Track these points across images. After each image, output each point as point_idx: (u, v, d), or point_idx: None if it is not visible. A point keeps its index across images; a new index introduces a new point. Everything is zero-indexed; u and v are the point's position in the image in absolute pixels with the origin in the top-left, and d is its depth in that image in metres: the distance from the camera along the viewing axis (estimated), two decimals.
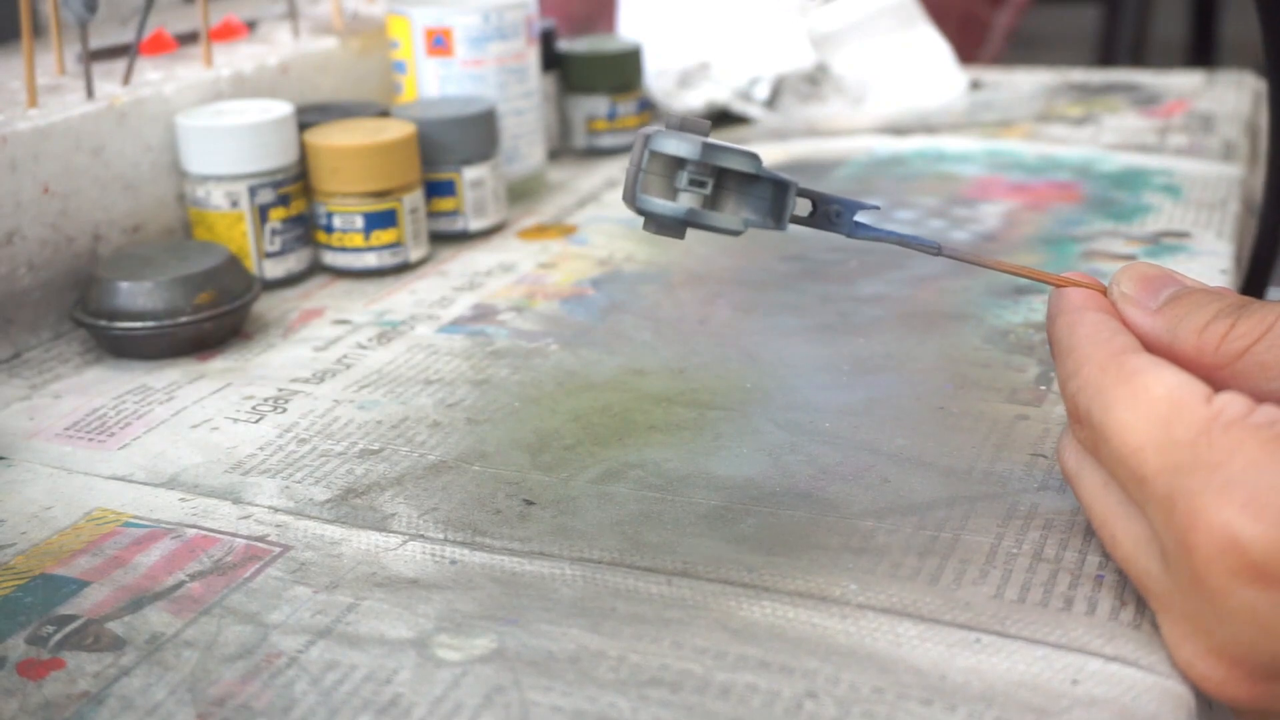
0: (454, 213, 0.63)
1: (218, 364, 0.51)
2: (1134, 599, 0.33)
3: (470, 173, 0.63)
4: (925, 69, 0.90)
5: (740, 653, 0.32)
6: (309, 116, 0.62)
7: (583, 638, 0.33)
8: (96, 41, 0.62)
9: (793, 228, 0.37)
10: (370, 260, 0.59)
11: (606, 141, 0.78)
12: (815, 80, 0.87)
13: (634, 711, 0.30)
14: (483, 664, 0.32)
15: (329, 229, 0.59)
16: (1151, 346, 0.33)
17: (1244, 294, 0.60)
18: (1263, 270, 0.62)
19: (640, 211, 0.35)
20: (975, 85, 0.92)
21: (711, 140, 0.35)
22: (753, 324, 0.53)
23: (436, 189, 0.63)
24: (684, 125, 0.35)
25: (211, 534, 0.39)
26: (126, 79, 0.59)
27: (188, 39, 0.68)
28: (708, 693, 0.31)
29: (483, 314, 0.55)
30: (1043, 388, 0.46)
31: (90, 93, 0.57)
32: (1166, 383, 0.30)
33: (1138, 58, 2.06)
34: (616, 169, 0.76)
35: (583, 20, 1.01)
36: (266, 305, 0.57)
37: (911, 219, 0.65)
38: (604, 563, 0.36)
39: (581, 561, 0.36)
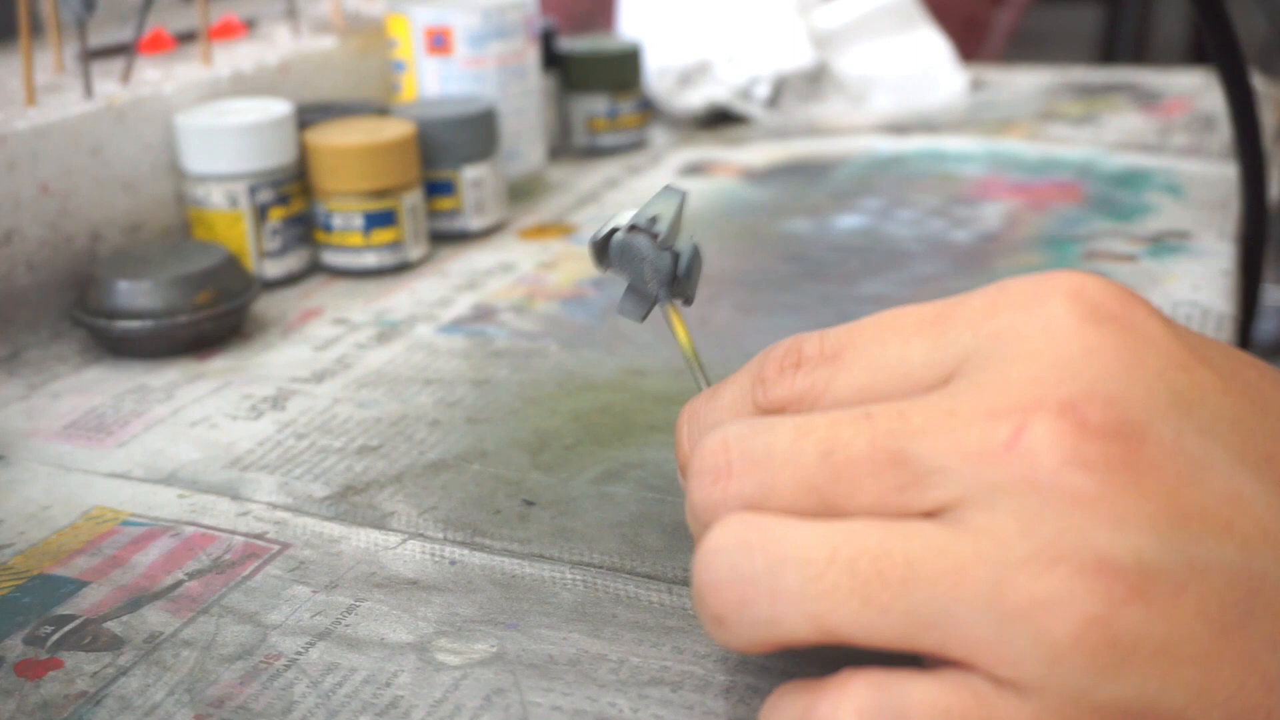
0: (454, 212, 0.63)
1: (217, 363, 0.51)
2: None
3: (470, 172, 0.63)
4: (926, 68, 0.90)
5: (742, 658, 0.32)
6: (309, 116, 0.62)
7: (583, 642, 0.33)
8: (95, 40, 0.62)
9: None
10: (370, 260, 0.59)
11: (606, 141, 0.78)
12: (816, 79, 0.87)
13: (634, 711, 0.30)
14: (483, 667, 0.32)
15: (328, 228, 0.59)
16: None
17: (1241, 293, 0.60)
18: (1254, 269, 0.62)
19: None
20: (976, 84, 0.92)
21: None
22: (753, 324, 0.53)
23: (436, 188, 0.63)
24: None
25: (210, 531, 0.39)
26: (125, 78, 0.59)
27: (186, 38, 0.68)
28: (709, 692, 0.30)
29: (483, 314, 0.55)
30: None
31: (89, 92, 0.57)
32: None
33: (1139, 57, 2.06)
34: (616, 168, 0.76)
35: (583, 19, 1.01)
36: (266, 305, 0.57)
37: (912, 219, 0.65)
38: (604, 568, 0.36)
39: (582, 565, 0.36)
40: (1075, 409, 0.24)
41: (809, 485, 0.26)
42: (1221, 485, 0.24)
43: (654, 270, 0.34)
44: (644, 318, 0.35)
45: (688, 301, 0.35)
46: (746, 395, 0.29)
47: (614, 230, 0.34)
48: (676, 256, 0.34)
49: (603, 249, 0.35)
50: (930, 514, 0.25)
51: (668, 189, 0.34)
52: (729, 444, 0.27)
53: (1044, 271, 0.27)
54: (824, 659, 0.26)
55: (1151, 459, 0.24)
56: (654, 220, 0.34)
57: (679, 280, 0.35)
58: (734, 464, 0.27)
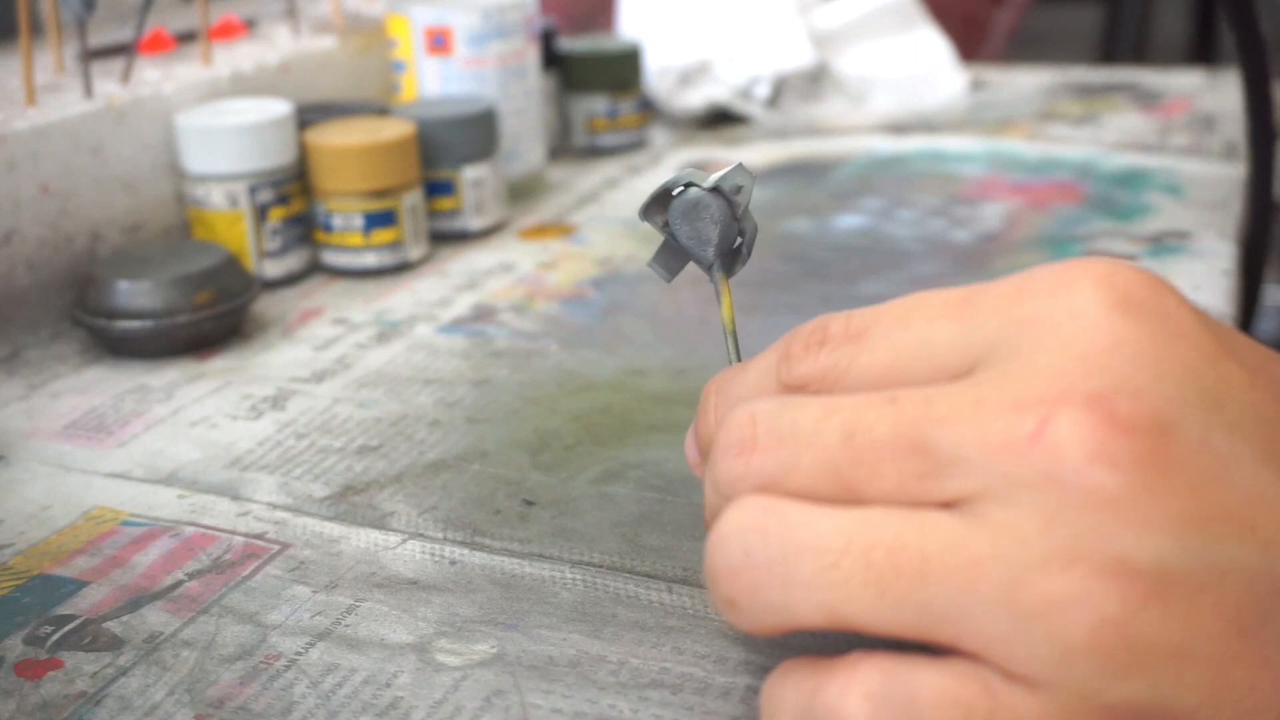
0: (454, 212, 0.63)
1: (217, 363, 0.51)
2: None
3: (470, 172, 0.63)
4: (926, 68, 0.89)
5: (743, 658, 0.32)
6: (308, 116, 0.62)
7: (583, 643, 0.33)
8: (95, 40, 0.62)
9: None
10: (370, 260, 0.59)
11: (606, 141, 0.78)
12: (816, 79, 0.87)
13: (634, 713, 0.30)
14: (483, 668, 0.32)
15: (328, 228, 0.59)
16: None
17: (1242, 293, 0.60)
18: (1255, 270, 0.62)
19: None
20: (976, 84, 0.92)
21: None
22: (753, 324, 0.53)
23: (436, 188, 0.63)
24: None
25: (210, 531, 0.39)
26: (125, 78, 0.59)
27: (186, 38, 0.68)
28: (709, 694, 0.30)
29: (483, 314, 0.55)
30: None
31: (89, 92, 0.57)
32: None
33: (1139, 56, 2.06)
34: (616, 168, 0.76)
35: (583, 19, 1.01)
36: (266, 305, 0.57)
37: (912, 219, 0.65)
38: (604, 567, 0.36)
39: (581, 565, 0.36)
40: (1103, 402, 0.24)
41: (830, 467, 0.26)
42: (1247, 485, 0.24)
43: (722, 238, 0.34)
44: (673, 278, 0.35)
45: (728, 276, 0.35)
46: (772, 371, 0.29)
47: (689, 185, 0.34)
48: (743, 230, 0.34)
49: (663, 200, 0.34)
50: (949, 504, 0.25)
51: (740, 166, 0.34)
52: (757, 418, 0.27)
53: (1074, 257, 0.26)
54: (829, 649, 0.26)
55: (1178, 456, 0.23)
56: (738, 190, 0.34)
57: (737, 253, 0.34)
58: (759, 439, 0.26)
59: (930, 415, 0.25)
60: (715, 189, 0.34)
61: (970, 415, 0.24)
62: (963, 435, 0.24)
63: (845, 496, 0.25)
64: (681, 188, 0.34)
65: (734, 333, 0.34)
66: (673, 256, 0.35)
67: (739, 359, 0.33)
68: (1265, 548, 0.23)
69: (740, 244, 0.34)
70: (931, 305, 0.27)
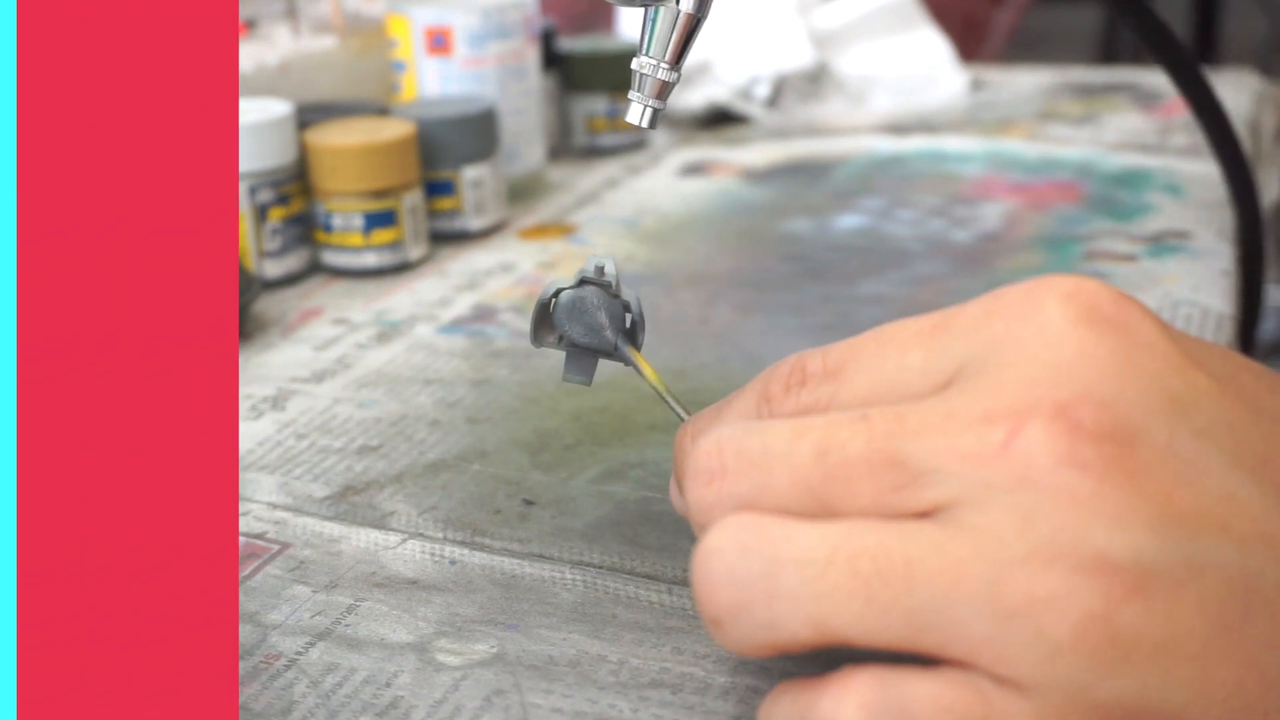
0: (454, 212, 0.63)
1: None
2: None
3: (470, 172, 0.63)
4: (926, 68, 0.90)
5: (742, 659, 0.32)
6: (308, 115, 0.62)
7: (583, 643, 0.33)
8: None
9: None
10: (370, 260, 0.59)
11: (606, 141, 0.78)
12: (816, 79, 0.87)
13: (634, 712, 0.30)
14: (483, 668, 0.32)
15: (328, 228, 0.59)
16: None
17: (1243, 292, 0.59)
18: (1255, 272, 0.62)
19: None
20: (976, 84, 0.92)
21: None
22: (753, 324, 0.53)
23: (436, 188, 0.63)
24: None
25: None
26: None
27: None
28: (709, 694, 0.30)
29: (483, 314, 0.55)
30: None
31: None
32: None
33: (1139, 57, 2.06)
34: (616, 168, 0.76)
35: (583, 19, 1.01)
36: (265, 305, 0.57)
37: (912, 219, 0.65)
38: (604, 567, 0.36)
39: (581, 565, 0.36)
40: (1069, 412, 0.24)
41: (805, 485, 0.26)
42: (1216, 486, 0.24)
43: (610, 317, 0.35)
44: (591, 380, 0.36)
45: (636, 348, 0.35)
46: (751, 413, 0.30)
47: (559, 291, 0.35)
48: (627, 304, 0.35)
49: (544, 318, 0.35)
50: (925, 514, 0.25)
51: (594, 255, 0.35)
52: (723, 445, 0.27)
53: (1039, 276, 0.27)
54: (824, 662, 0.26)
55: (1145, 460, 0.24)
56: (601, 270, 0.35)
57: (633, 326, 0.35)
58: (728, 465, 0.27)
59: (903, 430, 0.25)
60: (582, 281, 0.35)
61: (942, 428, 0.25)
62: (936, 446, 0.25)
63: (821, 513, 0.26)
64: (552, 297, 0.35)
65: (668, 392, 0.35)
66: (581, 361, 0.36)
67: (686, 414, 0.34)
68: (1240, 546, 0.24)
69: (631, 317, 0.35)
70: (905, 335, 0.28)
